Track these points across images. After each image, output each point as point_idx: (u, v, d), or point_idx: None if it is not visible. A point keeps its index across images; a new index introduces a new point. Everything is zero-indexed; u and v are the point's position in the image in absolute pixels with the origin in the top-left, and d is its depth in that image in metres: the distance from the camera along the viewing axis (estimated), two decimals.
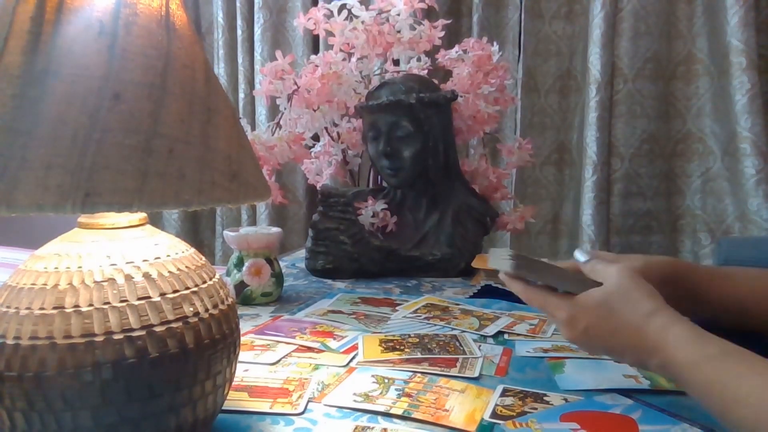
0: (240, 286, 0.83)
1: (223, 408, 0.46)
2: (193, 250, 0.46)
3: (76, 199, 0.34)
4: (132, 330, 0.37)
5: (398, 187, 1.10)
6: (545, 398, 0.52)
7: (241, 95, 1.85)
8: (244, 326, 0.72)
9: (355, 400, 0.52)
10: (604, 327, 0.49)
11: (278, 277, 0.86)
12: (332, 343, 0.66)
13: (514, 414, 0.50)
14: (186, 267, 0.42)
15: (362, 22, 1.10)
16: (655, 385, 0.56)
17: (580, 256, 0.56)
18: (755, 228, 1.34)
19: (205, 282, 0.43)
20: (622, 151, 1.51)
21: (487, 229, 1.11)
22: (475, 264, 1.01)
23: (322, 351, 0.64)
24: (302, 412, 0.50)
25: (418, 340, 0.67)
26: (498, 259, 0.55)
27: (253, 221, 1.89)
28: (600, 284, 0.51)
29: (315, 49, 1.77)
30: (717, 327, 0.50)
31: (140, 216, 0.44)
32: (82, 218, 0.43)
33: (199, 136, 0.39)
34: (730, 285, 0.60)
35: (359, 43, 1.10)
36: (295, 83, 1.08)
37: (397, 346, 0.65)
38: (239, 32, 1.84)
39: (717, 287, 0.59)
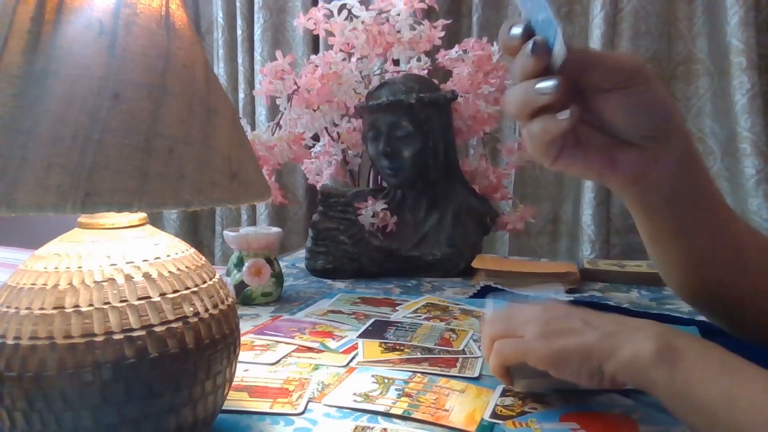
0: (240, 286, 0.83)
1: (223, 408, 0.46)
2: (193, 250, 0.46)
3: (76, 199, 0.34)
4: (132, 330, 0.37)
5: (398, 187, 1.10)
6: (545, 398, 0.52)
7: (241, 95, 1.85)
8: (244, 326, 0.72)
9: (355, 400, 0.52)
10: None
11: (278, 277, 0.86)
12: (332, 343, 0.66)
13: (514, 414, 0.50)
14: (186, 267, 0.42)
15: (362, 22, 1.10)
16: None
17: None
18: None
19: (205, 282, 0.43)
20: None
21: (487, 229, 1.11)
22: (475, 264, 1.01)
23: (322, 351, 0.64)
24: (302, 412, 0.50)
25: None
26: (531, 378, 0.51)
27: (253, 221, 1.89)
28: None
29: (315, 49, 1.76)
30: None
31: (140, 216, 0.44)
32: (82, 218, 0.43)
33: (199, 136, 0.39)
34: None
35: (359, 43, 1.10)
36: (295, 83, 1.08)
37: (397, 347, 0.65)
38: (239, 32, 1.84)
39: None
